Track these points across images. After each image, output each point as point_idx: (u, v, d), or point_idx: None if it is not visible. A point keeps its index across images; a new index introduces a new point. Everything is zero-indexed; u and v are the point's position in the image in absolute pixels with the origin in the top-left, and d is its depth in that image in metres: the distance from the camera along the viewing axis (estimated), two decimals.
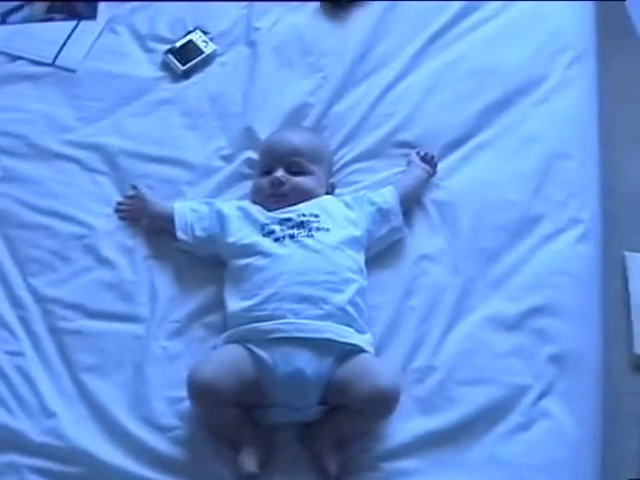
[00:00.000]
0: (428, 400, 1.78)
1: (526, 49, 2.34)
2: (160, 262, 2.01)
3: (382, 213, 1.98)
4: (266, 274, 1.83)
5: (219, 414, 1.71)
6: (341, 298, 1.80)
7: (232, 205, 2.01)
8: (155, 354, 1.87)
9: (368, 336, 1.81)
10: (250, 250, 1.88)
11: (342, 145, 2.19)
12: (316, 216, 1.93)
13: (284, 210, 1.95)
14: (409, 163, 2.11)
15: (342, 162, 2.16)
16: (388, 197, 2.01)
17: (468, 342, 1.86)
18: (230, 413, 1.71)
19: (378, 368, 1.74)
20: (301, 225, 1.90)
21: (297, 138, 2.07)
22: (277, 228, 1.90)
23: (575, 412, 1.77)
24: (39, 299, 1.96)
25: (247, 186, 2.10)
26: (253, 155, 2.16)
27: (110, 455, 1.73)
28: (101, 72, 2.38)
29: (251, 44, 2.41)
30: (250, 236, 1.91)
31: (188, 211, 2.00)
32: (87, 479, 1.72)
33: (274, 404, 1.74)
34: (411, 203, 2.05)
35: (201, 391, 1.69)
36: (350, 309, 1.80)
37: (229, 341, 1.79)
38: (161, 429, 1.76)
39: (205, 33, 2.42)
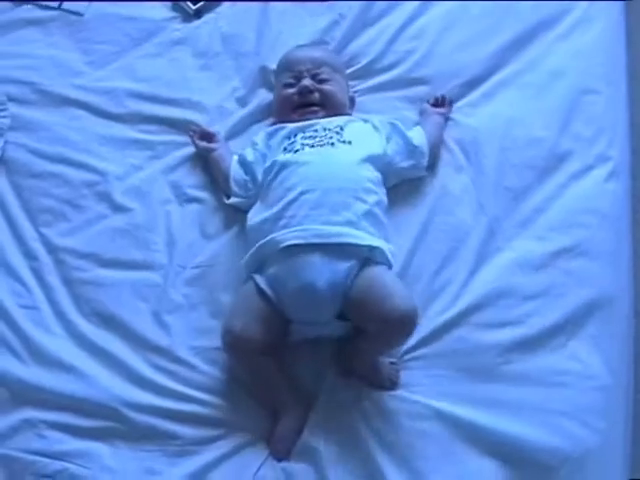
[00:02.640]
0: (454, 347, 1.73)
1: None
2: (177, 206, 1.97)
3: (410, 148, 1.93)
4: (285, 183, 1.78)
5: (255, 363, 1.67)
6: (361, 206, 1.74)
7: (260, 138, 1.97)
8: (175, 302, 1.82)
9: (390, 246, 1.75)
10: (272, 168, 1.84)
11: (357, 78, 2.14)
12: (340, 129, 1.89)
13: (309, 122, 1.91)
14: (422, 113, 2.04)
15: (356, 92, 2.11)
16: (417, 135, 1.95)
17: (495, 284, 1.79)
18: (266, 364, 1.68)
19: (396, 288, 1.66)
20: (323, 136, 1.85)
21: (316, 51, 2.07)
22: (298, 138, 1.86)
23: (605, 356, 1.72)
24: (52, 249, 1.91)
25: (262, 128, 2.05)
26: (268, 95, 2.11)
27: (133, 407, 1.69)
28: (109, 14, 2.31)
29: None
30: (274, 154, 1.87)
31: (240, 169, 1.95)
32: (108, 431, 1.69)
33: (294, 321, 1.70)
34: (435, 150, 1.98)
35: (235, 343, 1.66)
36: (370, 219, 1.74)
37: (249, 268, 1.74)
38: (186, 381, 1.73)
39: None
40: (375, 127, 1.94)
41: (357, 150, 1.84)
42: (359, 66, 2.16)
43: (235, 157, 1.97)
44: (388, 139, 1.92)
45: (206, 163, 2.01)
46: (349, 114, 2.01)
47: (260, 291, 1.68)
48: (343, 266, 1.66)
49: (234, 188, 1.92)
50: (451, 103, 2.05)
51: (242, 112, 2.10)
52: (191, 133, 2.03)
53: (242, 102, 2.12)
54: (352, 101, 2.06)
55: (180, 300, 1.83)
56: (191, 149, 2.03)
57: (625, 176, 1.98)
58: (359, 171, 1.80)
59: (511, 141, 1.98)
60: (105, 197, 1.98)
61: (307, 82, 1.96)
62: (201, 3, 2.29)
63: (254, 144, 1.97)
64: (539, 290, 1.79)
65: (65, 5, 2.32)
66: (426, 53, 2.16)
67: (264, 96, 2.12)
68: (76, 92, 2.15)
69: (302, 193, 1.74)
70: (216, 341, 1.71)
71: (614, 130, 2.02)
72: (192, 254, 1.89)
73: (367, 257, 1.69)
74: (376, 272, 1.68)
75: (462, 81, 2.10)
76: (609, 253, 1.85)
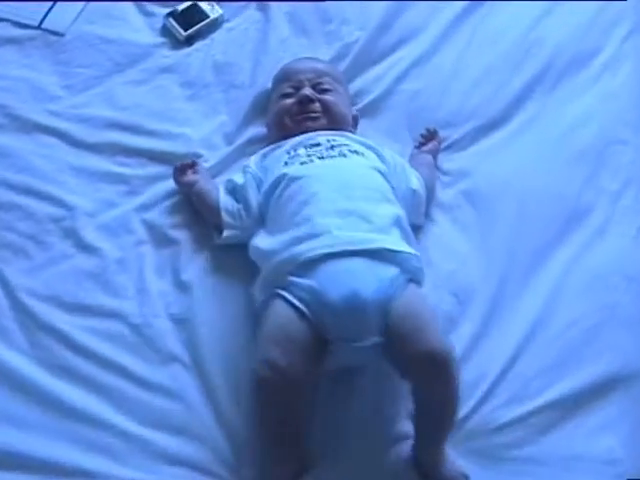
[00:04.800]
0: None
1: (575, 20, 2.11)
2: (152, 248, 1.76)
3: (411, 192, 1.74)
4: (298, 197, 1.59)
5: (294, 402, 1.41)
6: (390, 210, 1.58)
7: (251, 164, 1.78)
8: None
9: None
10: (278, 183, 1.64)
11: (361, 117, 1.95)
12: (346, 142, 1.72)
13: (311, 135, 1.74)
14: (411, 157, 1.87)
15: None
16: (415, 179, 1.77)
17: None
18: (302, 404, 1.43)
19: (431, 325, 1.45)
20: (331, 148, 1.69)
21: (317, 62, 1.92)
22: (302, 152, 1.69)
23: (627, 438, 1.53)
24: (9, 290, 1.69)
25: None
26: (261, 130, 1.92)
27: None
28: (93, 36, 2.12)
29: (262, 8, 2.17)
30: (274, 172, 1.68)
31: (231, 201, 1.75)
32: None
33: (334, 341, 1.45)
34: (431, 195, 1.81)
35: (278, 378, 1.38)
36: (400, 227, 1.58)
37: (266, 288, 1.52)
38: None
39: None
40: (380, 156, 1.74)
41: (371, 161, 1.68)
42: (363, 104, 1.98)
43: (221, 186, 1.77)
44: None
45: (188, 200, 1.80)
46: (352, 132, 1.83)
47: (295, 308, 1.45)
48: (387, 273, 1.47)
49: (226, 219, 1.71)
50: (436, 132, 1.89)
51: (228, 149, 1.90)
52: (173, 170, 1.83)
53: (230, 138, 1.93)
54: (355, 120, 1.89)
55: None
56: (171, 184, 1.83)
57: None
58: (379, 179, 1.64)
59: (528, 194, 1.80)
60: (72, 234, 1.76)
61: (307, 91, 1.81)
62: (193, 29, 2.10)
63: (245, 167, 1.78)
64: (554, 361, 1.59)
65: (46, 24, 2.13)
66: (437, 91, 1.99)
67: (255, 131, 1.93)
68: (50, 118, 1.95)
69: (322, 204, 1.56)
70: None
71: None
72: (165, 303, 1.67)
73: (406, 267, 1.50)
74: (417, 295, 1.49)
75: (476, 124, 1.94)
76: (636, 320, 1.65)
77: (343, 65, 2.02)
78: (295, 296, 1.46)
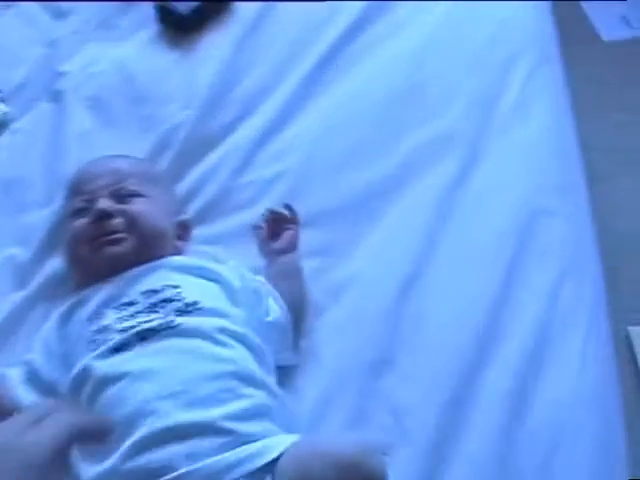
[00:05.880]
0: None
1: (463, 59, 1.61)
2: None
3: (269, 326, 1.25)
4: (120, 410, 1.07)
5: None
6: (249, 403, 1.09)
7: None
8: None
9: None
10: (82, 383, 1.13)
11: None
12: (174, 287, 1.21)
13: (121, 283, 1.24)
14: (268, 263, 1.37)
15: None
16: (275, 308, 1.28)
17: None
18: None
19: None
20: (153, 310, 1.17)
21: (120, 160, 1.40)
22: (111, 319, 1.17)
23: None
24: None
25: None
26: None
27: None
28: None
29: (55, 96, 1.65)
30: (79, 357, 1.16)
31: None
32: None
33: None
34: (301, 314, 1.31)
35: None
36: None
37: None
38: None
39: None
40: (224, 284, 1.25)
41: (212, 319, 1.17)
42: (196, 207, 1.47)
43: (14, 372, 1.21)
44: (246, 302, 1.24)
45: None
46: (178, 253, 1.34)
47: None
48: None
49: None
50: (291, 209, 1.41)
51: (20, 295, 1.38)
52: None
53: (22, 278, 1.40)
54: (184, 229, 1.39)
55: None
56: None
57: None
58: (229, 354, 1.14)
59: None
60: None
61: (104, 203, 1.28)
62: None
63: (44, 340, 1.24)
64: None
65: None
66: (295, 180, 1.48)
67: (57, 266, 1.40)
68: None
69: (155, 420, 1.05)
70: None
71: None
72: None
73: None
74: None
75: (351, 219, 1.42)
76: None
77: (166, 158, 1.51)
78: None
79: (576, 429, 1.16)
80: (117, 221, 1.28)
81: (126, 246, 1.27)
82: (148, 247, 1.28)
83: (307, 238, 1.38)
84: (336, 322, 1.29)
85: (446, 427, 1.16)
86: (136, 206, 1.30)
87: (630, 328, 2.01)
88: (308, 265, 1.35)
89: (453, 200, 1.42)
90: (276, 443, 1.04)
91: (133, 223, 1.28)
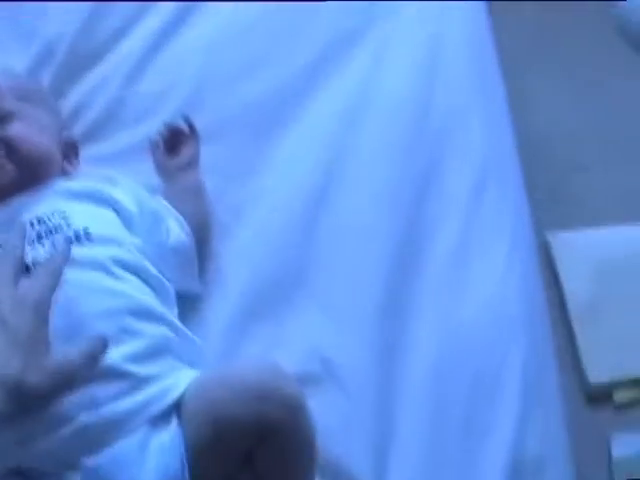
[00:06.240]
0: None
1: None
2: None
3: (171, 252, 1.16)
4: None
5: None
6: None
7: None
8: None
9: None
10: None
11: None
12: (63, 215, 1.09)
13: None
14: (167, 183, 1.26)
15: None
16: (177, 231, 1.18)
17: None
18: None
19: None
20: (38, 241, 1.06)
21: None
22: None
23: None
24: None
25: None
26: None
27: None
28: None
29: None
30: None
31: None
32: None
33: None
34: (205, 234, 1.23)
35: None
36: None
37: None
38: None
39: None
40: (117, 208, 1.14)
41: (104, 248, 1.06)
42: (86, 123, 1.35)
43: None
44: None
45: None
46: (67, 173, 1.22)
47: None
48: None
49: None
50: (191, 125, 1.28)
51: None
52: None
53: None
54: (72, 148, 1.26)
55: None
56: None
57: None
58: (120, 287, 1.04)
59: None
60: None
61: None
62: None
63: None
64: None
65: None
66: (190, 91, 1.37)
67: None
68: None
69: None
70: None
71: None
72: None
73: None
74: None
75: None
76: None
77: (48, 73, 1.38)
78: None
79: (508, 327, 1.15)
80: None
81: (6, 174, 1.14)
82: (32, 173, 1.15)
83: (207, 154, 1.27)
84: (242, 244, 1.21)
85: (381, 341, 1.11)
86: (14, 129, 1.17)
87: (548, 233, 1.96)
88: (210, 183, 1.25)
89: (360, 106, 1.34)
90: (177, 381, 0.97)
91: (12, 149, 1.15)
